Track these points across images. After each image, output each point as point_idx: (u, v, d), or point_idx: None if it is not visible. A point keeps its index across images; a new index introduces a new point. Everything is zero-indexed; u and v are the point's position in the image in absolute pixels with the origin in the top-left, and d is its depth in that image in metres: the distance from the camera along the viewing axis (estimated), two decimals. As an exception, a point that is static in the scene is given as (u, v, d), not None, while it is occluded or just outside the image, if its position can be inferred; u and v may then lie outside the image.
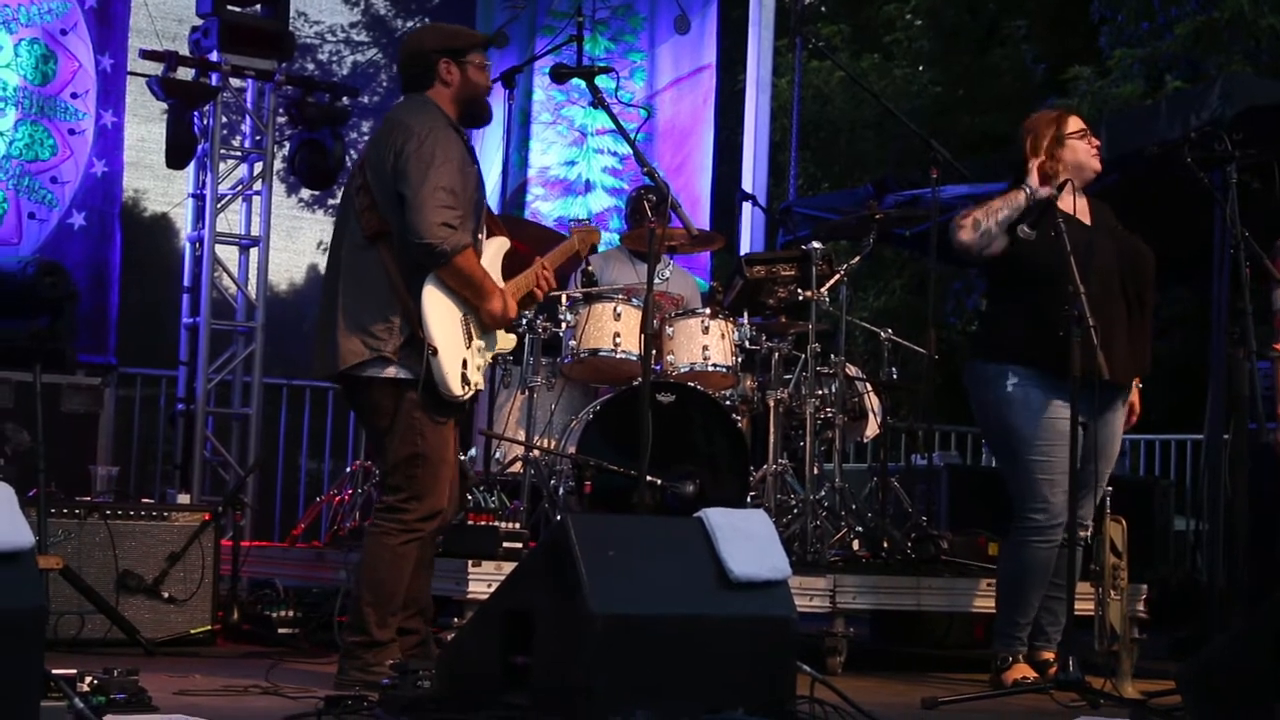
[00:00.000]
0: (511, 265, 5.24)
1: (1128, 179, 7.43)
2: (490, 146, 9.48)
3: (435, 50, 5.00)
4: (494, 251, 5.08)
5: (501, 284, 5.03)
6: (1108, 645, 5.33)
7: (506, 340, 5.15)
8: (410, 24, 13.46)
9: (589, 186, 9.94)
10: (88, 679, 3.82)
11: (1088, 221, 5.47)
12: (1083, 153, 5.50)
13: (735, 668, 3.77)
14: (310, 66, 10.07)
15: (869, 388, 7.14)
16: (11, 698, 3.10)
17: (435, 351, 4.73)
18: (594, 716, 3.34)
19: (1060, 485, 5.27)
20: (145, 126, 8.77)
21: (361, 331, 4.79)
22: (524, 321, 6.50)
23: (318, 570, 6.68)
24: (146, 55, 8.12)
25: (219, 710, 4.03)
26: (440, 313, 4.79)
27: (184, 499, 7.14)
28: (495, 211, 8.56)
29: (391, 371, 4.78)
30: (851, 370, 7.04)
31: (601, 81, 5.34)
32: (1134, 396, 5.58)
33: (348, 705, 3.99)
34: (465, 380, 4.82)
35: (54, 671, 3.58)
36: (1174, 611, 7.69)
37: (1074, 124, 5.56)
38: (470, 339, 4.88)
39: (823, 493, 6.62)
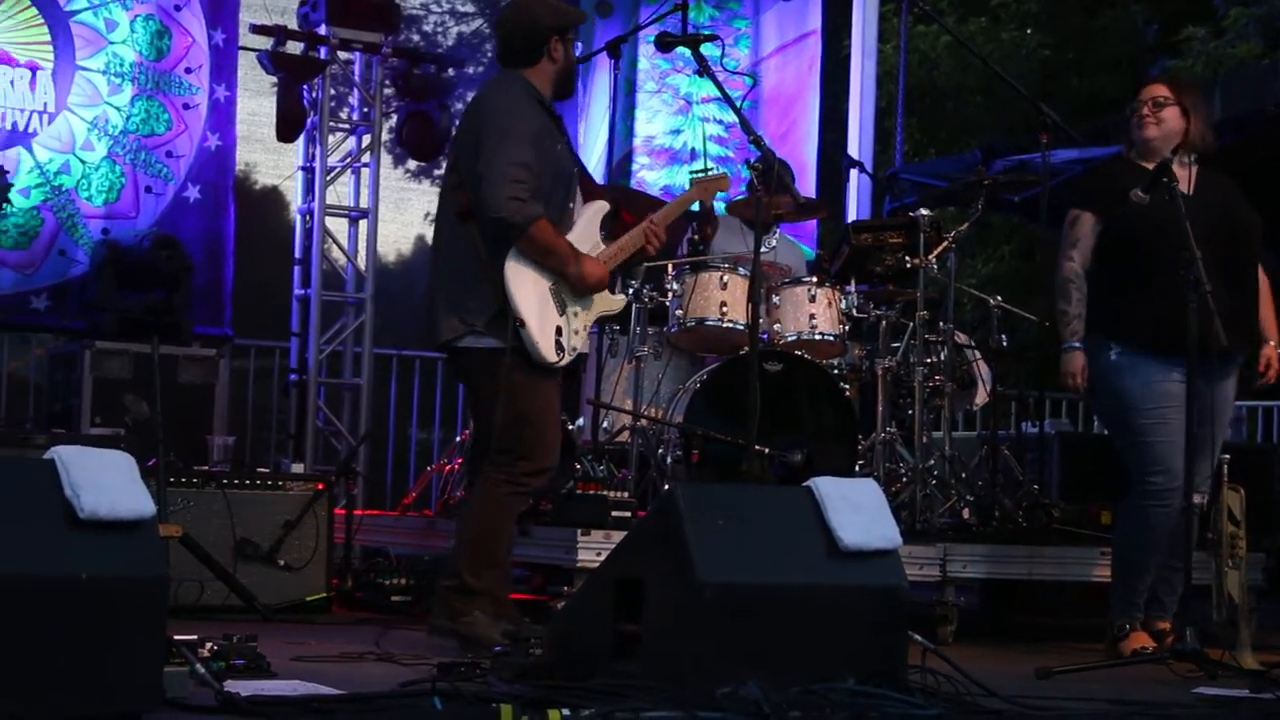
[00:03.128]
0: (619, 234, 5.28)
1: (1244, 140, 7.28)
2: (596, 116, 9.49)
3: (550, 28, 5.06)
4: (591, 215, 5.15)
5: (602, 246, 5.08)
6: (1225, 615, 5.25)
7: (612, 302, 5.23)
8: (515, -6, 13.46)
9: (694, 155, 9.90)
10: (208, 645, 3.90)
11: (1188, 191, 5.38)
12: (1134, 125, 5.47)
13: (846, 637, 3.75)
14: (416, 38, 10.16)
15: (978, 355, 7.07)
16: (136, 663, 3.16)
17: (522, 323, 4.85)
18: (704, 686, 3.34)
19: (1177, 447, 5.20)
20: (256, 100, 8.88)
21: (457, 307, 4.96)
22: (631, 290, 6.51)
23: (429, 539, 6.76)
24: (257, 30, 8.21)
25: (335, 676, 4.08)
26: (525, 284, 4.90)
27: (298, 468, 7.24)
28: (601, 181, 8.61)
29: (487, 342, 4.91)
30: (960, 338, 6.97)
31: (706, 49, 5.34)
32: (1269, 351, 5.47)
33: (461, 671, 4.03)
34: (560, 347, 4.95)
35: (176, 637, 3.65)
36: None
37: (1143, 93, 5.52)
38: (564, 306, 4.98)
39: (931, 461, 6.57)
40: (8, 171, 4.88)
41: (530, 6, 5.10)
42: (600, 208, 5.18)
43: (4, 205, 4.86)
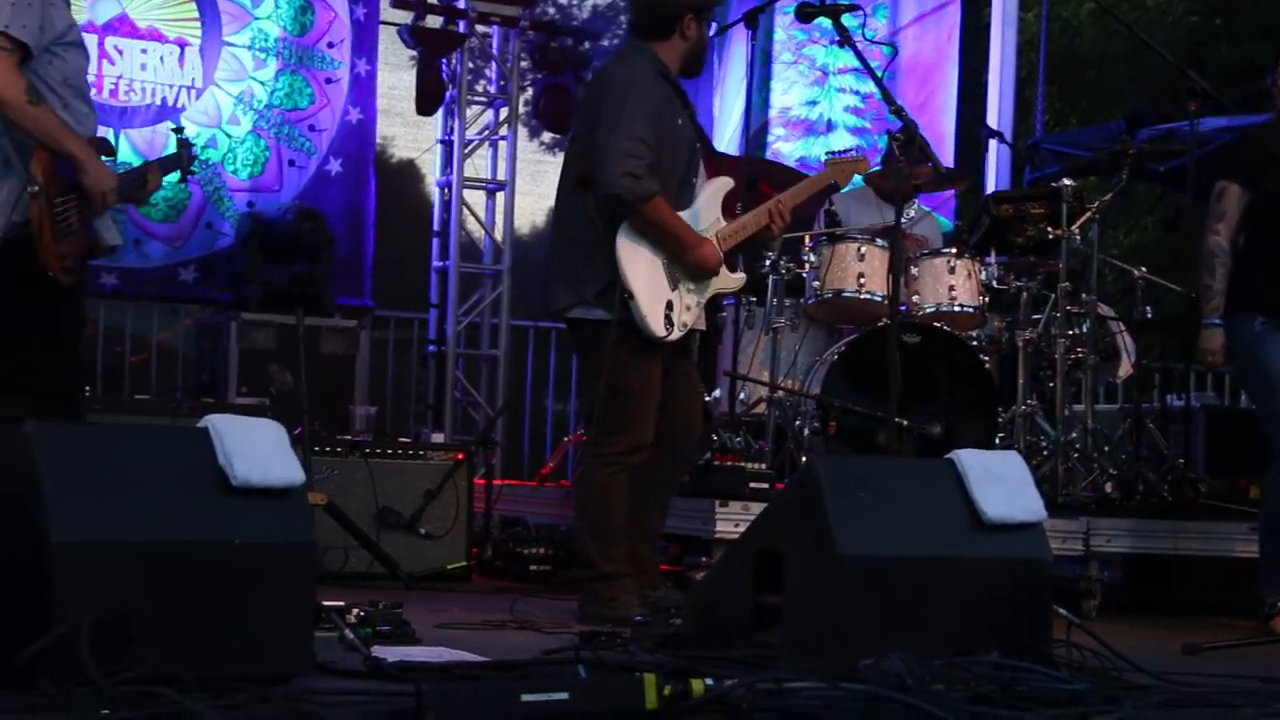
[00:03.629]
0: (755, 206, 5.27)
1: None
2: (731, 88, 9.46)
3: (686, 5, 5.04)
4: (713, 191, 5.12)
5: (722, 223, 5.05)
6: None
7: (730, 280, 5.17)
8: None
9: (830, 126, 9.84)
10: (355, 611, 3.96)
11: None
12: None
13: (989, 611, 3.72)
14: (551, 10, 10.16)
15: (1122, 327, 6.96)
16: (287, 628, 3.22)
17: (631, 296, 4.83)
18: (846, 658, 3.33)
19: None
20: (395, 74, 8.97)
21: (569, 277, 4.97)
22: (767, 262, 6.49)
23: (566, 509, 6.79)
24: (397, 4, 8.30)
25: (478, 643, 4.13)
26: (636, 258, 4.88)
27: (438, 438, 7.33)
28: (737, 153, 8.59)
29: (596, 314, 4.90)
30: (1103, 309, 6.87)
31: (847, 20, 5.29)
32: None
33: (602, 640, 4.06)
34: (669, 321, 4.91)
35: (324, 604, 3.72)
36: None
37: None
38: (676, 281, 4.95)
39: (1073, 434, 6.48)
40: (193, 145, 5.04)
41: None
42: (723, 184, 5.15)
43: (189, 174, 5.02)
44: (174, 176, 4.97)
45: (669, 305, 4.92)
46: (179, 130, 5.14)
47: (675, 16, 5.02)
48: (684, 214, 5.02)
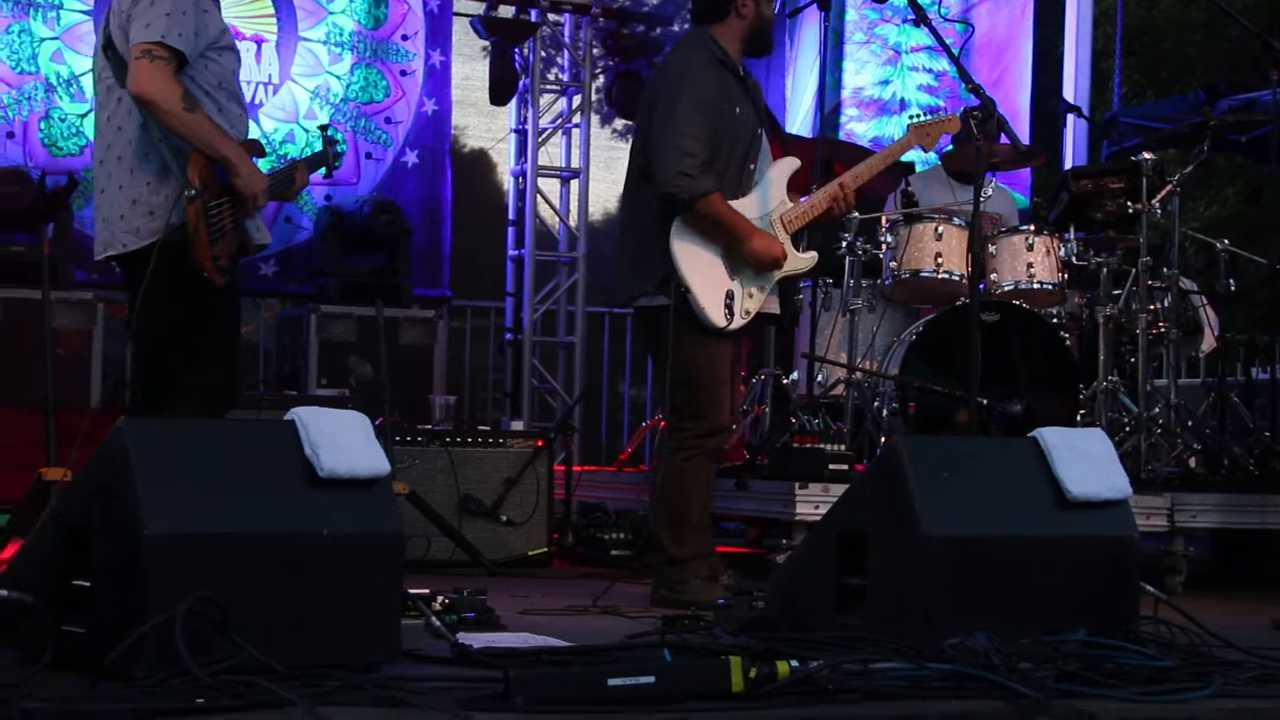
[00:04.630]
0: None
1: None
2: (803, 69, 9.43)
3: None
4: (778, 174, 5.11)
5: (788, 205, 5.04)
6: None
7: (799, 261, 5.14)
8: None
9: (904, 105, 9.79)
10: (440, 598, 3.99)
11: None
12: None
13: (1075, 589, 3.70)
14: (622, -5, 10.16)
15: (1204, 301, 6.88)
16: (376, 615, 3.26)
17: (688, 289, 4.84)
18: (932, 639, 3.33)
19: None
20: (469, 65, 9.02)
21: (634, 265, 5.01)
22: (844, 244, 6.47)
23: (644, 493, 6.82)
24: (470, -6, 8.34)
25: (563, 628, 4.15)
26: (692, 251, 4.89)
27: (517, 425, 7.38)
28: (811, 134, 8.56)
29: (660, 300, 4.92)
30: (1185, 283, 6.79)
31: (921, -1, 5.25)
32: None
33: (685, 624, 4.08)
34: (730, 311, 4.91)
35: (409, 591, 3.76)
36: None
37: None
38: (735, 270, 4.96)
39: (1156, 409, 6.42)
40: (339, 142, 5.20)
41: None
42: (789, 164, 5.13)
43: (334, 170, 5.19)
44: (320, 172, 5.12)
45: (729, 295, 4.93)
46: (324, 128, 5.31)
47: None
48: (749, 197, 5.03)
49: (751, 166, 5.05)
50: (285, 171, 4.86)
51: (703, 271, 4.90)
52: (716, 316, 4.90)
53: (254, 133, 7.87)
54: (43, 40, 7.66)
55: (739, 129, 4.99)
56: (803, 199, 5.20)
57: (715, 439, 5.01)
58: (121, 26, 4.46)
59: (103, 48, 4.56)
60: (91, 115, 7.70)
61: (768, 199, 5.07)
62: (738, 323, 4.95)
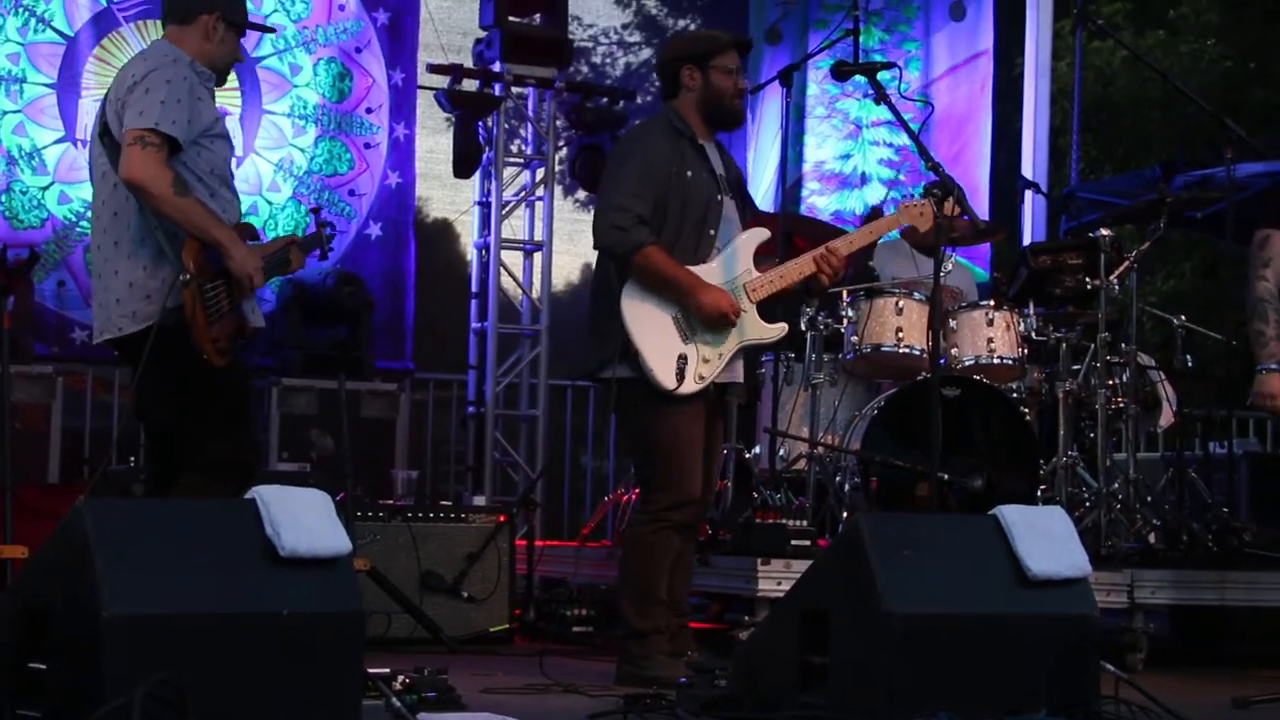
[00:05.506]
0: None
1: None
2: (765, 143, 9.52)
3: (677, 58, 5.15)
4: (742, 242, 5.10)
5: (755, 273, 5.06)
6: None
7: (763, 330, 5.08)
8: (682, 23, 13.57)
9: (865, 179, 9.88)
10: (401, 677, 3.97)
11: None
12: None
13: (1036, 667, 3.72)
14: (585, 69, 10.25)
15: (1162, 376, 6.94)
16: (336, 696, 3.26)
17: (638, 351, 4.87)
18: (895, 717, 3.34)
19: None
20: (433, 138, 9.06)
21: (595, 336, 5.04)
22: (805, 318, 6.50)
23: (608, 568, 6.79)
24: (434, 69, 8.38)
25: (523, 707, 4.15)
26: (641, 314, 4.92)
27: (479, 500, 7.35)
28: (773, 208, 8.62)
29: (620, 371, 4.93)
30: (1143, 358, 6.86)
31: (882, 77, 5.31)
32: None
33: (647, 704, 4.07)
34: (681, 374, 4.89)
35: (370, 670, 3.74)
36: None
37: None
38: (689, 334, 4.94)
39: (1116, 485, 6.46)
40: (331, 225, 5.31)
41: (668, 42, 5.21)
42: (755, 234, 5.14)
43: (329, 249, 5.26)
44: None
45: (681, 358, 4.91)
46: (317, 211, 5.43)
47: (673, 72, 5.14)
48: (713, 264, 5.04)
49: (712, 232, 5.05)
50: (280, 254, 4.90)
51: (654, 334, 4.91)
52: (666, 379, 4.88)
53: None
54: (5, 113, 7.66)
55: (692, 192, 5.02)
56: (772, 269, 5.19)
57: (683, 511, 4.97)
58: (117, 113, 4.55)
59: (99, 134, 4.64)
60: (53, 188, 7.74)
61: (733, 266, 5.07)
62: (689, 386, 4.91)
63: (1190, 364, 6.93)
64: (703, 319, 4.96)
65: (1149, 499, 6.65)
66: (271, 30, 7.74)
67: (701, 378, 4.95)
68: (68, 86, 7.74)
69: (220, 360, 4.50)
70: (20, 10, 7.70)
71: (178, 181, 4.46)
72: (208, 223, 4.49)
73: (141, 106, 4.47)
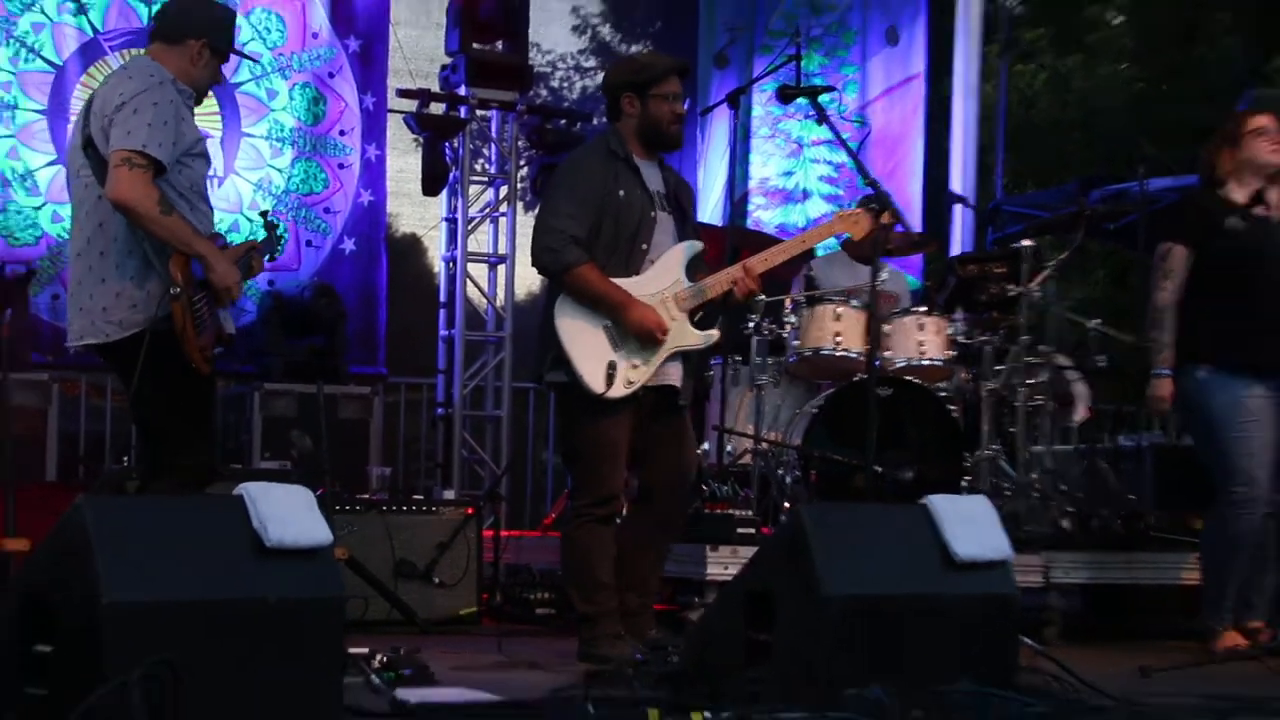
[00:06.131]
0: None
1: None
2: (713, 162, 9.61)
3: (617, 85, 5.08)
4: (674, 255, 5.02)
5: (684, 283, 4.99)
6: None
7: (691, 336, 5.00)
8: (635, 47, 13.61)
9: (806, 195, 9.98)
10: (379, 657, 4.03)
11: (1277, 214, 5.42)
12: (1255, 151, 5.44)
13: (961, 643, 3.80)
14: (544, 93, 10.32)
15: (1078, 375, 7.05)
16: (320, 674, 3.30)
17: (568, 359, 4.84)
18: (833, 691, 3.41)
19: (1259, 460, 5.27)
20: (403, 158, 9.12)
21: (541, 344, 5.01)
22: (750, 324, 6.58)
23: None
24: (403, 94, 8.43)
25: (493, 683, 4.19)
26: (574, 324, 4.87)
27: (448, 494, 7.40)
28: (721, 223, 8.70)
29: (557, 376, 4.91)
30: (1060, 360, 6.96)
31: (823, 99, 5.37)
32: None
33: (606, 677, 4.13)
34: (610, 379, 4.84)
35: (350, 650, 3.79)
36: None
37: (1251, 123, 5.48)
38: (619, 343, 4.89)
39: (1034, 475, 6.57)
40: (279, 225, 5.21)
41: (614, 65, 5.22)
42: (687, 248, 5.06)
43: (279, 251, 5.21)
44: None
45: (610, 365, 4.85)
46: (265, 214, 5.25)
47: (614, 99, 5.08)
48: (643, 276, 4.97)
49: (644, 246, 5.00)
50: (244, 260, 4.89)
51: (585, 343, 4.87)
52: (595, 383, 4.83)
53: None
54: (-2, 139, 7.67)
55: (625, 210, 4.97)
56: (701, 280, 5.18)
57: (606, 507, 4.94)
58: (103, 129, 4.46)
59: (82, 146, 4.54)
60: (46, 208, 7.74)
61: (662, 277, 5.01)
62: (618, 391, 4.85)
63: (1103, 364, 7.03)
64: (633, 334, 4.92)
65: (1064, 488, 6.75)
66: (254, 59, 7.75)
67: (630, 383, 4.89)
68: (57, 112, 7.75)
69: (207, 368, 4.48)
70: (11, 41, 7.71)
71: (163, 200, 4.41)
72: (191, 238, 4.45)
73: (129, 127, 4.40)
